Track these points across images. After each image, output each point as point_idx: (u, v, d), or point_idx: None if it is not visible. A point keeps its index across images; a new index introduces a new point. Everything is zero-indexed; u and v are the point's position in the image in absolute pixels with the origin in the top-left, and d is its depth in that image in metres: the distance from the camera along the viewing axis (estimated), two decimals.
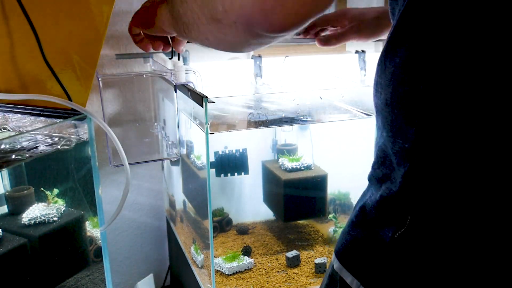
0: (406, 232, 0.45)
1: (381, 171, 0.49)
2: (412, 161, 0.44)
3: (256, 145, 1.39)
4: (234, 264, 1.18)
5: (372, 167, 0.52)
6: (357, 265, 0.51)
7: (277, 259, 1.24)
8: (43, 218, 0.79)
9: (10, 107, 0.84)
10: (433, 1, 0.40)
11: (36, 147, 0.72)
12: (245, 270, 1.19)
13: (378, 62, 0.47)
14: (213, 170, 1.23)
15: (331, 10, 1.59)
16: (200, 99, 0.93)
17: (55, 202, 0.81)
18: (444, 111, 0.40)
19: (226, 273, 1.16)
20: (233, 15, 0.45)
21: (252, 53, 1.42)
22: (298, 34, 1.05)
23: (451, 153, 0.41)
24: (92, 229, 0.86)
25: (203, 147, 0.99)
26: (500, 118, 0.39)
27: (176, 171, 1.32)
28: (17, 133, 0.77)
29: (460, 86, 0.39)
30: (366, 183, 0.55)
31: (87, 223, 0.85)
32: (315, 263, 1.18)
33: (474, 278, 0.43)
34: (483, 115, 0.39)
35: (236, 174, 1.25)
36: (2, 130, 0.79)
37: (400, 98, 0.44)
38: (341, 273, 0.52)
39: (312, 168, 1.30)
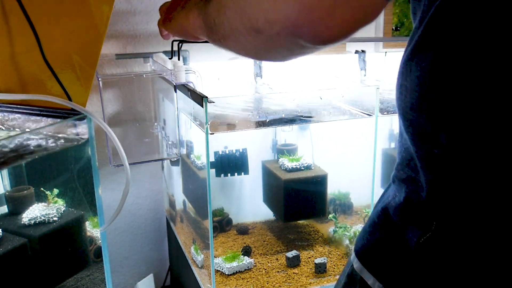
0: (432, 237, 0.45)
1: (405, 173, 0.49)
2: (441, 167, 0.43)
3: (256, 145, 1.39)
4: (234, 264, 1.18)
5: (396, 168, 0.51)
6: (379, 267, 0.50)
7: (277, 259, 1.24)
8: (43, 218, 0.79)
9: (10, 107, 0.84)
10: (465, 5, 0.38)
11: (36, 147, 0.72)
12: (245, 270, 1.19)
13: (402, 64, 0.45)
14: (213, 170, 1.23)
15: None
16: (200, 99, 0.93)
17: (55, 202, 0.81)
18: (478, 117, 0.39)
19: (226, 273, 1.17)
20: (276, 26, 0.43)
21: None
22: None
23: (484, 160, 0.40)
24: (92, 229, 0.86)
25: (203, 147, 0.99)
26: None
27: (176, 171, 1.32)
28: (17, 133, 0.76)
29: (493, 92, 0.38)
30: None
31: (87, 223, 0.85)
32: (315, 263, 1.18)
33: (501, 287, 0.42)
34: None
35: (236, 174, 1.25)
36: (2, 129, 0.79)
37: (430, 104, 0.42)
38: (361, 274, 0.52)
39: (312, 168, 1.30)
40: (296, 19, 0.41)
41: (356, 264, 0.53)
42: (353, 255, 0.55)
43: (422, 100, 0.42)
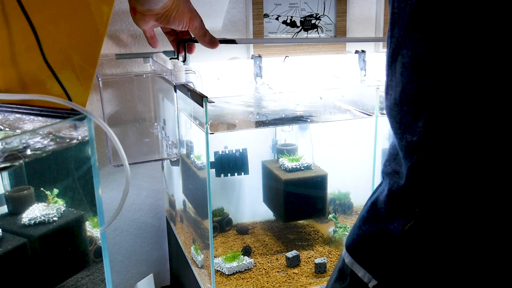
0: (415, 224, 0.46)
1: (391, 167, 0.51)
2: (418, 153, 0.45)
3: (256, 145, 1.39)
4: (234, 264, 1.18)
5: (384, 164, 0.53)
6: (369, 259, 0.52)
7: (277, 259, 1.24)
8: (43, 218, 0.79)
9: (10, 107, 0.84)
10: (441, 4, 0.41)
11: (36, 147, 0.72)
12: (245, 270, 1.19)
13: (387, 66, 0.49)
14: (213, 170, 1.23)
15: (332, 9, 1.58)
16: (200, 99, 0.93)
17: (55, 202, 0.81)
18: (451, 104, 0.42)
19: (226, 273, 1.17)
20: None
21: (252, 53, 1.42)
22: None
23: (458, 144, 0.42)
24: (92, 229, 0.86)
25: (203, 147, 0.99)
26: (505, 110, 0.40)
27: (176, 171, 1.32)
28: (17, 133, 0.76)
29: (467, 79, 0.41)
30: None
31: (87, 223, 0.85)
32: (315, 263, 1.18)
33: (483, 268, 0.44)
34: (489, 107, 0.40)
35: (236, 174, 1.25)
36: (2, 129, 0.79)
37: (409, 95, 0.45)
38: (352, 267, 0.53)
39: (312, 168, 1.30)
40: None
41: (347, 259, 0.55)
42: (344, 250, 0.57)
43: (404, 93, 0.46)
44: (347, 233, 1.29)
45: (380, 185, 0.55)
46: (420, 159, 0.45)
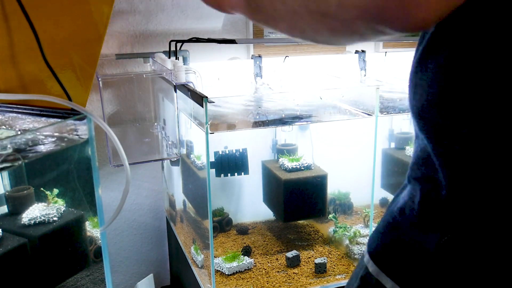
0: (452, 239, 0.43)
1: (420, 172, 0.47)
2: (461, 164, 0.41)
3: (256, 145, 1.39)
4: (234, 264, 1.18)
5: (411, 167, 0.49)
6: (398, 270, 0.49)
7: (277, 259, 1.24)
8: (43, 218, 0.79)
9: (10, 107, 0.84)
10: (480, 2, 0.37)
11: (36, 147, 0.72)
12: (245, 270, 1.19)
13: (416, 63, 0.44)
14: (213, 170, 1.23)
15: None
16: (200, 99, 0.93)
17: (55, 202, 0.81)
18: (500, 110, 0.38)
19: (226, 273, 1.17)
20: (354, 11, 0.36)
21: (252, 53, 1.42)
22: None
23: (507, 156, 0.39)
24: (92, 229, 0.86)
25: (203, 147, 0.99)
26: None
27: (176, 171, 1.32)
28: (17, 133, 0.77)
29: None
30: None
31: (87, 223, 0.85)
32: (315, 263, 1.18)
33: None
34: None
35: (236, 174, 1.25)
36: (2, 130, 0.79)
37: (449, 99, 0.40)
38: (378, 277, 0.50)
39: (312, 168, 1.30)
40: (385, 3, 0.35)
41: (372, 268, 0.51)
42: (366, 257, 0.53)
43: (441, 97, 0.41)
44: (347, 233, 1.29)
45: (403, 188, 0.52)
46: (464, 170, 0.41)
